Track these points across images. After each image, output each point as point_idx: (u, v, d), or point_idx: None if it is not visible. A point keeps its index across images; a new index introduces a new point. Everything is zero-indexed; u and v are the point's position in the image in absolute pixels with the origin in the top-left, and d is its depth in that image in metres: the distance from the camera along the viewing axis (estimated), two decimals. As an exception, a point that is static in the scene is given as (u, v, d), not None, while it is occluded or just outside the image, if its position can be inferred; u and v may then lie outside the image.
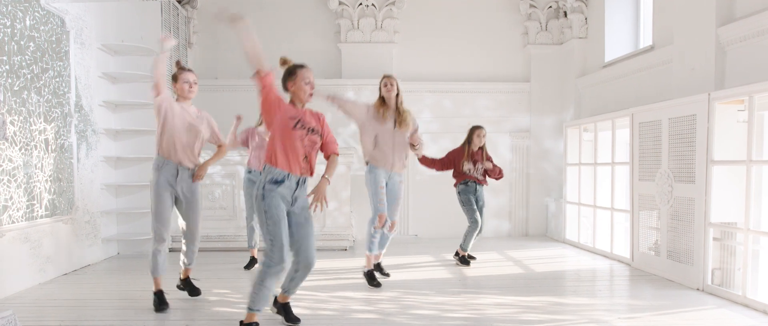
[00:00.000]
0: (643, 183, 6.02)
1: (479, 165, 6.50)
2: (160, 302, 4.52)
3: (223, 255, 7.00)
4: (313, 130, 3.83)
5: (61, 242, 5.82)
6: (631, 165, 6.23)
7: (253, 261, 6.23)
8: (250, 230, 6.14)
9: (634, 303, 4.76)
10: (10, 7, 5.01)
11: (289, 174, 3.73)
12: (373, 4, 8.57)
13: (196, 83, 4.66)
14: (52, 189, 5.67)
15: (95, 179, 6.58)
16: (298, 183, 3.79)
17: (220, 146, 4.89)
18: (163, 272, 4.59)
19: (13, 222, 5.04)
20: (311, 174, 3.87)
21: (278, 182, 3.70)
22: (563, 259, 6.84)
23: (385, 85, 5.32)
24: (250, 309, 3.79)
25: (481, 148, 6.56)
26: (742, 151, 4.80)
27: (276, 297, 4.17)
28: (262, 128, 5.96)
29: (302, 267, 3.89)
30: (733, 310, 4.47)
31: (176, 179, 4.52)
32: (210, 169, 7.37)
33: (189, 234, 4.73)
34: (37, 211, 5.41)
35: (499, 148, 8.83)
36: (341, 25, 8.61)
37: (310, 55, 8.73)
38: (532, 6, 8.73)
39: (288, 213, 3.81)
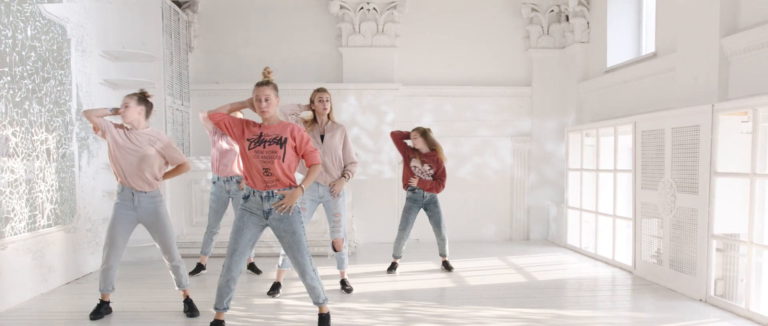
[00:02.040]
0: (645, 191, 6.02)
1: (427, 167, 6.20)
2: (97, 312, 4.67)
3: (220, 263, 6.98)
4: (272, 141, 4.00)
5: (64, 251, 5.81)
6: (634, 173, 6.22)
7: (199, 268, 6.40)
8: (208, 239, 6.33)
9: (636, 316, 4.76)
10: (11, 18, 4.99)
11: (254, 191, 4.06)
12: (374, 8, 8.54)
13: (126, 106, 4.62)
14: (54, 199, 5.66)
15: (97, 186, 6.57)
16: (263, 198, 4.04)
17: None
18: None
19: (15, 233, 5.03)
20: (283, 185, 4.04)
21: (245, 198, 4.10)
22: (565, 266, 6.84)
23: (321, 101, 5.22)
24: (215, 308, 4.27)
25: (435, 151, 6.22)
26: (746, 162, 4.80)
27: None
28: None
29: (300, 276, 4.24)
30: (736, 324, 4.47)
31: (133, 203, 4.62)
32: (211, 175, 7.36)
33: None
34: (40, 221, 5.40)
35: (500, 152, 8.83)
36: (342, 28, 8.58)
37: (311, 59, 8.74)
38: (533, 10, 8.70)
39: (265, 227, 4.14)
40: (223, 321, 4.27)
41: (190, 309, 4.75)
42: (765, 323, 4.40)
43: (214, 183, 6.16)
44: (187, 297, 4.81)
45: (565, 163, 8.17)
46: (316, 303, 4.32)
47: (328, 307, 4.43)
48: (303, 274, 4.18)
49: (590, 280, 6.12)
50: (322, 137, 5.20)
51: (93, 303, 5.05)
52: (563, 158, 8.47)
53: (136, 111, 4.60)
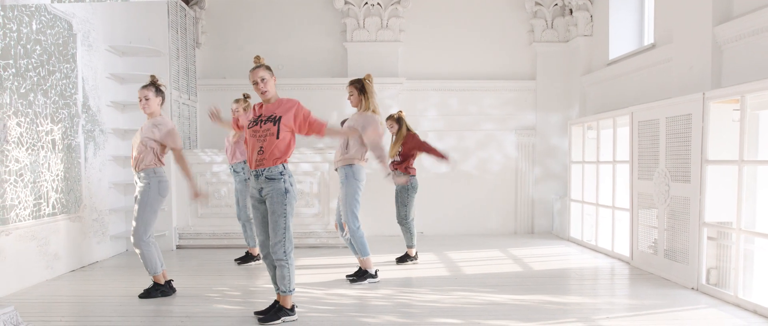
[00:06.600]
0: (642, 181, 6.01)
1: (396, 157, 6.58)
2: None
3: (228, 252, 7.14)
4: (267, 120, 4.14)
5: (69, 239, 6.00)
6: (631, 164, 6.22)
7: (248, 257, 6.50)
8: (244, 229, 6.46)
9: (627, 303, 4.79)
10: (16, 12, 5.17)
11: (250, 169, 4.25)
12: (378, 3, 8.63)
13: (146, 99, 4.92)
14: (59, 188, 5.84)
15: (103, 178, 6.75)
16: (255, 177, 4.16)
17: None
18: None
19: (20, 220, 5.21)
20: (272, 163, 4.11)
21: (247, 179, 4.30)
22: (564, 257, 6.85)
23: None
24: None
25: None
26: (737, 149, 4.78)
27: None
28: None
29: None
30: (724, 310, 4.46)
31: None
32: (216, 168, 7.53)
33: None
34: (44, 210, 5.59)
35: (504, 146, 8.86)
36: (347, 24, 8.69)
37: (316, 54, 8.85)
38: (537, 4, 8.71)
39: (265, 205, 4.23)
40: (277, 301, 4.30)
41: (148, 292, 4.94)
42: (752, 309, 4.39)
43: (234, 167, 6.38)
44: (155, 283, 4.98)
45: (568, 156, 8.17)
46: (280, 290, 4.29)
47: (292, 302, 4.27)
48: (274, 252, 4.14)
49: (586, 270, 6.13)
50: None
51: (98, 291, 5.24)
52: (567, 151, 8.47)
53: (156, 102, 4.94)
